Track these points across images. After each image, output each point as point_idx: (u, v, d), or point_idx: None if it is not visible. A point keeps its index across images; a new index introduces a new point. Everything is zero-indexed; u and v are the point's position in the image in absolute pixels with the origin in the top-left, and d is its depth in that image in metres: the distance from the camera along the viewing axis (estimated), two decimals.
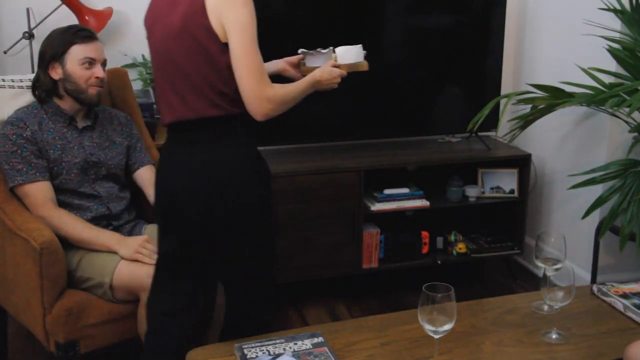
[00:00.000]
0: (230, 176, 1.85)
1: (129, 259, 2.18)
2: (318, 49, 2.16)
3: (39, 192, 2.24)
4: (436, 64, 3.26)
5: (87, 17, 2.96)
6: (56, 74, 2.29)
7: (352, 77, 3.14)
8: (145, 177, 2.47)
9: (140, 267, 2.14)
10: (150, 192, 2.40)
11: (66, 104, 2.33)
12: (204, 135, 1.85)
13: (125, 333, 2.20)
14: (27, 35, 2.93)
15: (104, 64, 2.34)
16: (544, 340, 1.90)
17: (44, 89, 2.31)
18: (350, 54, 2.11)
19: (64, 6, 2.95)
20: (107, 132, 2.43)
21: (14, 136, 2.24)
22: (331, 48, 2.15)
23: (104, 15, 3.01)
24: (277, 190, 2.91)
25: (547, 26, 3.30)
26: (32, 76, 2.51)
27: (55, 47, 2.27)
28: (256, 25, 1.80)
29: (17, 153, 2.23)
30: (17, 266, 2.18)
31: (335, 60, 2.11)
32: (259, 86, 1.79)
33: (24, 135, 2.25)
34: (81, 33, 2.29)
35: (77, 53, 2.27)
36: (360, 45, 2.16)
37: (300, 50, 2.20)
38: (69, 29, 2.31)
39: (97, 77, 2.30)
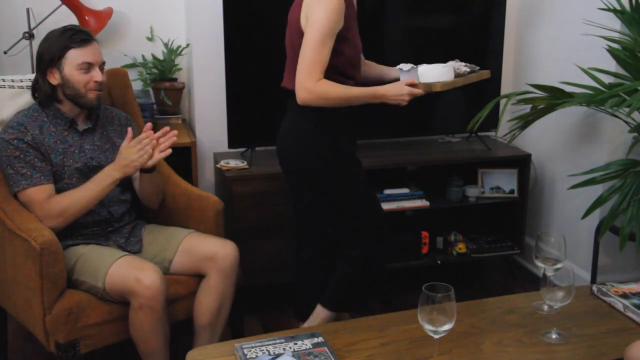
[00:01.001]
0: (292, 143, 2.37)
1: (135, 170, 2.23)
2: (410, 66, 2.20)
3: (43, 193, 2.21)
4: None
5: (86, 17, 2.96)
6: (54, 79, 2.27)
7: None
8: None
9: (129, 271, 2.12)
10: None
11: (66, 108, 2.32)
12: (290, 104, 2.32)
13: (126, 333, 2.20)
14: (27, 35, 2.93)
15: (102, 66, 2.32)
16: (544, 340, 1.90)
17: (43, 93, 2.29)
18: (431, 74, 2.15)
19: (64, 6, 2.95)
20: (108, 134, 2.42)
21: (16, 140, 2.22)
22: (421, 66, 2.21)
23: (104, 15, 3.01)
24: (277, 190, 2.91)
25: (547, 26, 3.30)
26: (32, 76, 2.51)
27: (52, 52, 2.24)
28: (334, 25, 2.14)
29: (21, 157, 2.22)
30: (17, 266, 2.18)
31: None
32: (304, 76, 2.14)
33: (25, 139, 2.23)
34: (77, 37, 2.25)
35: (74, 58, 2.24)
36: (444, 66, 2.20)
37: (397, 68, 2.33)
38: (65, 31, 2.27)
39: (95, 81, 2.28)
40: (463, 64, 2.38)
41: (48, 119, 2.30)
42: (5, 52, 2.96)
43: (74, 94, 2.28)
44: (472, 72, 2.34)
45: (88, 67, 2.26)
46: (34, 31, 2.94)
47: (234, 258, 2.31)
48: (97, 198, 2.24)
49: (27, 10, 2.93)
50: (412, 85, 2.21)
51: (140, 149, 2.22)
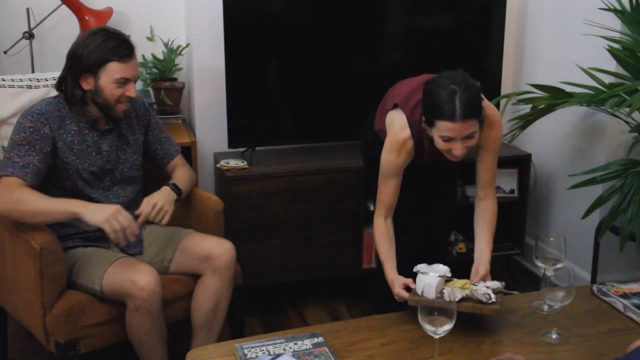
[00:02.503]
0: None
1: (98, 226, 2.06)
2: (436, 278, 1.94)
3: (17, 183, 2.10)
4: (436, 64, 3.24)
5: (87, 17, 2.96)
6: (87, 84, 2.19)
7: (350, 77, 3.15)
8: (174, 171, 2.45)
9: (124, 273, 2.10)
10: (178, 174, 2.42)
11: (91, 109, 2.25)
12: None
13: (125, 333, 2.19)
14: (27, 35, 2.93)
15: (136, 80, 2.25)
16: (544, 340, 1.90)
17: (72, 94, 2.21)
18: (427, 292, 1.91)
19: (64, 6, 2.95)
20: (123, 131, 2.36)
21: (31, 129, 2.14)
22: (433, 281, 1.94)
23: (104, 15, 3.01)
24: (277, 190, 2.91)
25: (547, 26, 3.30)
26: (31, 76, 2.52)
27: (92, 59, 2.14)
28: (392, 166, 2.21)
29: (24, 148, 2.13)
30: (17, 266, 2.18)
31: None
32: (376, 207, 2.27)
33: (41, 131, 2.15)
34: (121, 50, 2.16)
35: (113, 71, 2.16)
36: (438, 289, 1.93)
37: (420, 267, 2.08)
38: (109, 39, 2.16)
39: (128, 96, 2.22)
40: (485, 286, 2.00)
41: (71, 113, 2.23)
42: (5, 52, 2.96)
43: (103, 104, 2.21)
44: (485, 302, 1.95)
45: (124, 82, 2.19)
46: (34, 31, 2.94)
47: (229, 257, 2.30)
48: (46, 215, 2.09)
49: (27, 10, 2.93)
50: (406, 286, 2.05)
51: (117, 229, 2.07)
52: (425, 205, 2.55)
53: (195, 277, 2.33)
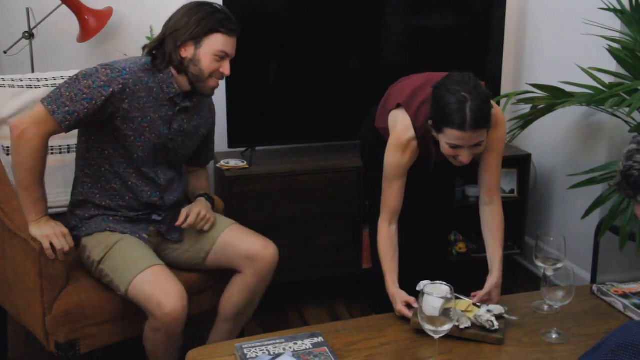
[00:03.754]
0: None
1: (36, 238, 2.05)
2: (439, 300, 1.79)
3: (47, 123, 2.04)
4: (436, 64, 3.25)
5: (86, 17, 2.96)
6: (185, 52, 2.13)
7: (350, 77, 3.15)
8: (195, 177, 2.44)
9: (153, 290, 2.02)
10: (202, 182, 2.42)
11: (179, 80, 2.18)
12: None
13: (126, 333, 2.20)
14: (27, 35, 2.93)
15: (231, 60, 2.21)
16: (544, 340, 1.90)
17: (168, 60, 2.14)
18: (431, 315, 1.79)
19: (64, 6, 2.94)
20: (197, 119, 2.30)
21: (102, 83, 2.05)
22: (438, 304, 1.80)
23: (104, 15, 3.01)
24: (277, 190, 2.91)
25: (547, 26, 3.30)
26: (31, 76, 2.51)
27: (200, 27, 2.11)
28: (395, 167, 2.17)
29: (82, 96, 2.04)
30: (17, 266, 2.18)
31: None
32: (381, 211, 2.23)
33: (111, 89, 2.06)
34: (228, 23, 2.15)
35: (216, 43, 2.13)
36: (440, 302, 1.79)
37: (424, 284, 2.00)
38: (217, 11, 2.15)
39: (222, 72, 2.18)
40: (487, 310, 1.97)
41: (155, 80, 2.16)
42: (5, 52, 2.96)
43: (196, 75, 2.15)
44: (488, 329, 1.92)
45: (223, 56, 2.16)
46: (34, 31, 2.94)
47: (274, 262, 2.27)
48: (18, 196, 2.10)
49: (27, 9, 2.93)
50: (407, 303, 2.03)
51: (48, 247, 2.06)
52: (425, 204, 2.53)
53: (229, 270, 2.29)
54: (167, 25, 2.17)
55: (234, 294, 2.27)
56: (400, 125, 2.16)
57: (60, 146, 2.46)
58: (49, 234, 2.06)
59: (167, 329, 2.03)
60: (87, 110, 2.05)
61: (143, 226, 2.26)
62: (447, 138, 1.97)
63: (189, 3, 2.18)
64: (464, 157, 2.00)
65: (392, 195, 2.19)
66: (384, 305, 2.13)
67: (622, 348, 1.28)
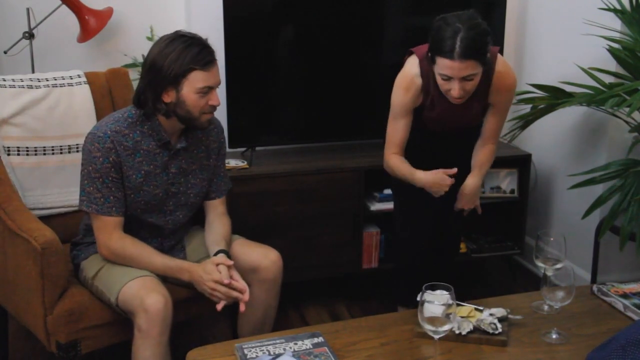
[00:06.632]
0: None
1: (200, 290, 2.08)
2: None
3: (110, 224, 2.10)
4: None
5: (87, 17, 2.96)
6: (168, 97, 2.05)
7: (350, 77, 3.15)
8: (215, 209, 2.32)
9: (137, 291, 2.01)
10: (214, 226, 2.28)
11: (168, 124, 2.12)
12: None
13: (127, 334, 2.19)
14: (27, 35, 2.93)
15: (218, 86, 2.11)
16: (544, 340, 1.90)
17: (154, 109, 2.07)
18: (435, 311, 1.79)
19: (64, 6, 2.95)
20: (199, 153, 2.23)
21: (101, 159, 2.05)
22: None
23: (104, 15, 3.01)
24: (278, 190, 2.91)
25: (547, 26, 3.30)
26: (31, 76, 2.51)
27: (174, 70, 2.00)
28: (399, 105, 2.28)
29: (99, 181, 2.06)
30: (18, 266, 2.18)
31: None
32: (385, 147, 2.38)
33: (110, 158, 2.05)
34: (202, 57, 2.02)
35: (196, 81, 2.02)
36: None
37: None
38: (190, 46, 2.01)
39: (211, 105, 2.09)
40: (490, 314, 1.96)
41: (144, 130, 2.11)
42: (5, 52, 2.96)
43: (186, 116, 2.08)
44: (492, 333, 1.91)
45: (208, 90, 2.06)
46: (34, 31, 2.94)
47: (276, 269, 2.22)
48: (155, 271, 2.11)
49: (27, 10, 2.93)
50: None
51: (214, 288, 2.06)
52: (444, 213, 2.55)
53: None
54: (143, 69, 2.10)
55: (247, 312, 2.16)
56: (407, 65, 2.26)
57: (60, 146, 2.47)
58: (204, 290, 2.08)
59: (146, 326, 1.97)
60: (114, 187, 2.08)
61: None
62: (439, 68, 2.04)
63: (160, 40, 2.08)
64: (455, 90, 2.04)
65: (397, 133, 2.32)
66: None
67: (632, 344, 1.30)
